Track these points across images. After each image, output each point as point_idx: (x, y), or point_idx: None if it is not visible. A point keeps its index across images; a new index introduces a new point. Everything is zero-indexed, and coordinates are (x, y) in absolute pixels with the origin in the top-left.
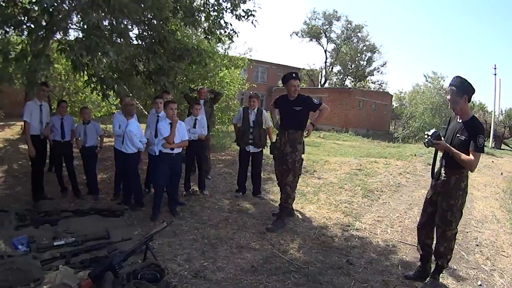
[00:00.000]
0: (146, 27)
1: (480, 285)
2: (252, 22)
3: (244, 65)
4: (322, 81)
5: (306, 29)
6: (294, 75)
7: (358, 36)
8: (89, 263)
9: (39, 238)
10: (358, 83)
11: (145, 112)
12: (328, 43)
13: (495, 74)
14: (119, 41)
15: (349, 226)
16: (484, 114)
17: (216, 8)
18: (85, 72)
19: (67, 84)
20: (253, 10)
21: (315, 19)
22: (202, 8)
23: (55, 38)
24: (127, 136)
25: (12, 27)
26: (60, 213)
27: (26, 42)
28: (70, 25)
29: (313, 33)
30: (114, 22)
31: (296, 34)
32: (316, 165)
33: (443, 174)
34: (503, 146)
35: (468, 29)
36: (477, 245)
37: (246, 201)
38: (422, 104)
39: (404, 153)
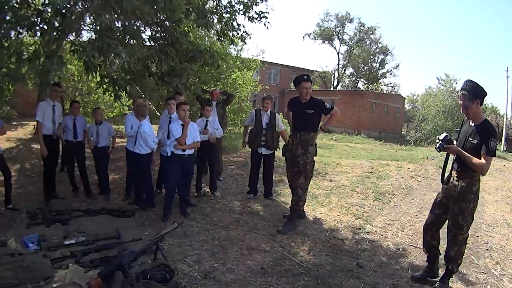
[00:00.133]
0: (159, 29)
1: None
2: (264, 24)
3: (256, 67)
4: (335, 83)
5: (319, 31)
6: (305, 77)
7: (370, 38)
8: (99, 263)
9: (50, 237)
10: (371, 85)
11: (158, 113)
12: (341, 45)
13: (507, 77)
14: (131, 43)
15: (359, 229)
16: (496, 117)
17: (228, 10)
18: (98, 73)
19: (80, 85)
20: (266, 12)
21: (327, 21)
22: (214, 10)
23: (68, 39)
24: (141, 136)
25: (25, 28)
26: (71, 213)
27: (39, 43)
28: (83, 26)
29: (326, 35)
30: (126, 24)
31: (309, 36)
32: (328, 167)
33: (455, 178)
34: None
35: (481, 31)
36: (487, 249)
37: (257, 203)
38: (434, 107)
39: (416, 156)
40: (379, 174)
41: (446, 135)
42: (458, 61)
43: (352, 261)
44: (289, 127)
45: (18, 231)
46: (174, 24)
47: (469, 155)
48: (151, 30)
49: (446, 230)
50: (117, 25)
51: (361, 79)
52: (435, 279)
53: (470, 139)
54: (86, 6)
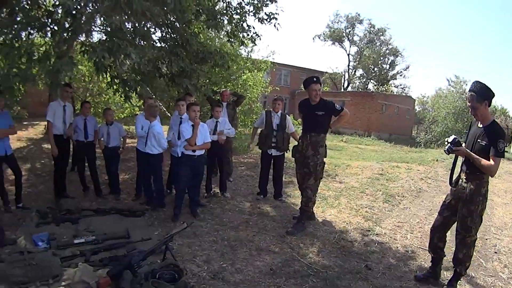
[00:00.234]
0: (169, 30)
1: None
2: (274, 25)
3: (267, 68)
4: (345, 85)
5: (329, 32)
6: (315, 79)
7: (380, 39)
8: (108, 262)
9: (60, 235)
10: (381, 87)
11: (168, 114)
12: (351, 46)
13: None
14: (141, 44)
15: (369, 231)
16: (506, 119)
17: (238, 11)
18: (108, 74)
19: (90, 86)
20: (276, 13)
21: (337, 22)
22: (224, 11)
23: (79, 40)
24: (154, 137)
25: (36, 29)
26: (81, 212)
27: (49, 43)
28: (93, 27)
29: (336, 36)
30: (136, 25)
31: (319, 37)
32: (338, 169)
33: (464, 180)
34: None
35: (491, 32)
36: (496, 252)
37: (267, 204)
38: (444, 109)
39: (426, 158)
40: (389, 176)
41: (454, 138)
42: (468, 63)
43: (360, 263)
44: (300, 129)
45: (28, 230)
46: (184, 25)
47: (477, 157)
48: (161, 31)
49: (455, 232)
50: (127, 26)
51: (371, 81)
52: (443, 282)
53: (478, 140)
54: (96, 7)
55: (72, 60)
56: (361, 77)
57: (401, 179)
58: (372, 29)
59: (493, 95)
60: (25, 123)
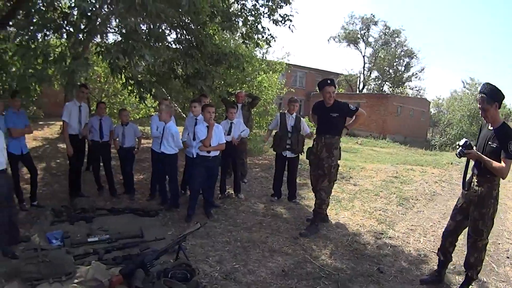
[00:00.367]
0: (184, 31)
1: None
2: (289, 27)
3: (282, 70)
4: (361, 87)
5: (344, 33)
6: (329, 81)
7: (396, 41)
8: (121, 260)
9: (74, 234)
10: (396, 89)
11: (184, 115)
12: (366, 47)
13: None
14: (156, 45)
15: (382, 234)
16: None
17: (253, 13)
18: (123, 75)
19: (106, 86)
20: (290, 15)
21: (352, 24)
22: (239, 13)
23: (94, 41)
24: (171, 137)
25: (52, 31)
26: (95, 211)
27: (65, 44)
28: (108, 29)
29: (351, 38)
30: (151, 26)
31: (334, 39)
32: (353, 171)
33: (475, 183)
34: None
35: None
36: (508, 257)
37: (281, 205)
38: (459, 111)
39: (441, 161)
40: (403, 179)
41: (466, 141)
42: (484, 65)
43: (373, 266)
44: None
45: (42, 228)
46: (199, 27)
47: (489, 159)
48: (176, 33)
49: (466, 236)
50: (142, 28)
51: (387, 83)
52: (455, 287)
53: (489, 143)
54: (111, 9)
55: (87, 61)
56: (376, 79)
57: (415, 182)
58: (387, 30)
59: (503, 97)
60: (41, 123)
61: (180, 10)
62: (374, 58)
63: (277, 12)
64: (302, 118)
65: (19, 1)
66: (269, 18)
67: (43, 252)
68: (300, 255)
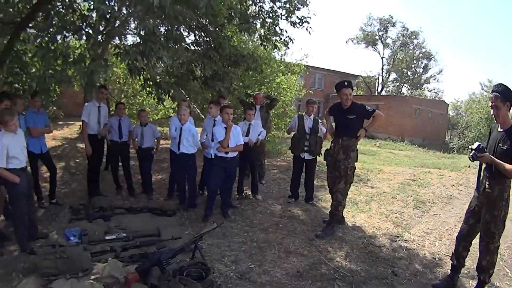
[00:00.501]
0: (202, 33)
1: None
2: (306, 29)
3: (300, 72)
4: (379, 89)
5: (362, 35)
6: (346, 83)
7: (414, 42)
8: (138, 258)
9: (92, 231)
10: (415, 91)
11: (202, 116)
12: (384, 49)
13: None
14: (174, 47)
15: (397, 236)
16: None
17: (271, 15)
18: (141, 76)
19: (125, 87)
20: (308, 17)
21: (371, 25)
22: (257, 15)
23: (113, 43)
24: (192, 136)
25: (71, 32)
26: (113, 210)
27: (84, 46)
28: (127, 31)
29: (369, 39)
30: (169, 28)
31: (352, 41)
32: (370, 173)
33: (487, 185)
34: None
35: None
36: None
37: (298, 207)
38: (477, 114)
39: (458, 164)
40: (420, 182)
41: (479, 144)
42: (503, 67)
43: (387, 268)
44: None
45: (60, 225)
46: (217, 29)
47: (501, 162)
48: (194, 35)
49: (478, 239)
50: (160, 30)
51: (405, 84)
52: None
53: (500, 145)
54: (130, 11)
55: (106, 62)
56: (394, 81)
57: (433, 185)
58: (405, 32)
59: None
60: (60, 123)
61: (197, 12)
62: (392, 59)
63: (295, 14)
64: (320, 120)
65: (38, 3)
66: (287, 20)
67: (61, 249)
68: (315, 256)
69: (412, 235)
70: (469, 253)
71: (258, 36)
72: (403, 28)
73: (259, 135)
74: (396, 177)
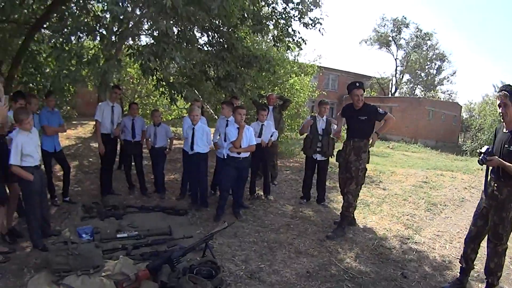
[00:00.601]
0: (215, 34)
1: None
2: (319, 30)
3: (314, 72)
4: (393, 90)
5: (375, 36)
6: (357, 84)
7: (427, 44)
8: (149, 256)
9: (104, 229)
10: (428, 92)
11: (215, 116)
12: (398, 50)
13: None
14: (187, 47)
15: (408, 239)
16: None
17: (284, 16)
18: (154, 77)
19: (139, 88)
20: (320, 18)
21: (384, 26)
22: (270, 16)
23: (127, 44)
24: (206, 135)
25: (85, 33)
26: (126, 208)
27: (98, 46)
28: (141, 31)
29: (382, 40)
30: (182, 29)
31: (365, 42)
32: (383, 175)
33: (494, 188)
34: None
35: None
36: None
37: (309, 208)
38: (490, 116)
39: (471, 166)
40: (432, 184)
41: (487, 148)
42: None
43: (397, 270)
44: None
45: (73, 223)
46: (230, 30)
47: (510, 164)
48: (207, 36)
49: (486, 242)
50: (173, 30)
51: (419, 86)
52: None
53: (506, 146)
54: (143, 12)
55: (119, 63)
56: (408, 82)
57: (445, 187)
58: (418, 33)
59: None
60: (74, 122)
61: (210, 13)
62: (406, 61)
63: (307, 15)
64: (332, 121)
65: (53, 4)
66: (299, 21)
67: (73, 245)
68: (326, 257)
69: (422, 238)
70: (479, 256)
71: (271, 37)
72: (417, 29)
73: (271, 136)
74: (409, 179)
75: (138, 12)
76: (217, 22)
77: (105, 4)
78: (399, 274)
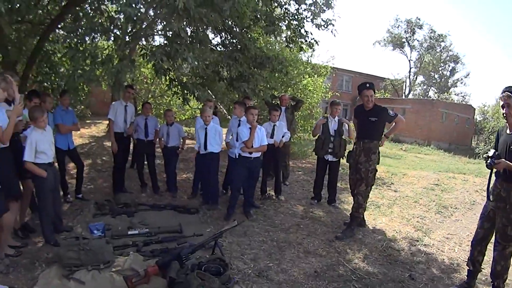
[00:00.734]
0: (228, 35)
1: None
2: (331, 31)
3: (327, 73)
4: (407, 91)
5: (389, 37)
6: (367, 85)
7: (441, 45)
8: (158, 253)
9: (115, 226)
10: (441, 94)
11: (228, 116)
12: (412, 51)
13: None
14: (200, 48)
15: (417, 241)
16: None
17: (296, 17)
18: (167, 77)
19: (152, 87)
20: (333, 20)
21: (397, 27)
22: (282, 17)
23: (140, 44)
24: (218, 135)
25: (99, 34)
26: (137, 206)
27: (112, 47)
28: (154, 32)
29: (396, 42)
30: (195, 30)
31: (379, 43)
32: (394, 177)
33: (501, 190)
34: None
35: None
36: None
37: (320, 208)
38: (503, 118)
39: (483, 169)
40: (444, 187)
41: (494, 151)
42: None
43: (405, 272)
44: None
45: (85, 219)
46: (243, 30)
47: None
48: (220, 36)
49: (493, 244)
50: (186, 31)
51: (432, 88)
52: None
53: (510, 147)
54: (157, 13)
55: (133, 63)
56: (421, 84)
57: (456, 190)
58: (432, 34)
59: None
60: (88, 121)
61: (222, 14)
62: (419, 62)
63: (320, 16)
64: (345, 123)
65: (67, 5)
66: (312, 23)
67: (84, 241)
68: (334, 257)
69: (432, 240)
70: (487, 259)
71: (284, 38)
72: (430, 31)
73: (283, 136)
74: (420, 182)
75: (151, 13)
76: (230, 23)
77: (119, 5)
78: (406, 276)
